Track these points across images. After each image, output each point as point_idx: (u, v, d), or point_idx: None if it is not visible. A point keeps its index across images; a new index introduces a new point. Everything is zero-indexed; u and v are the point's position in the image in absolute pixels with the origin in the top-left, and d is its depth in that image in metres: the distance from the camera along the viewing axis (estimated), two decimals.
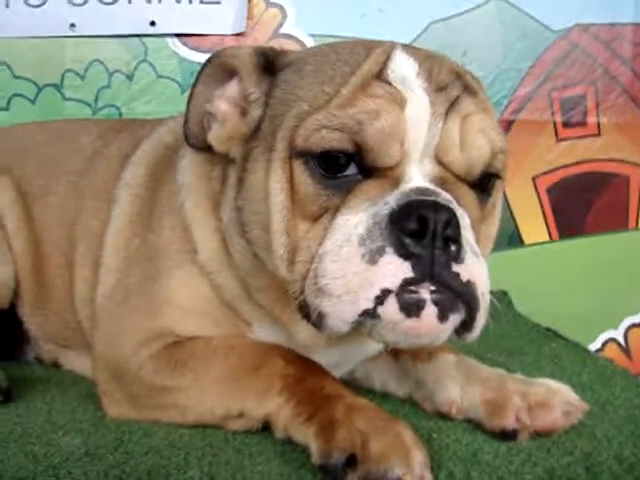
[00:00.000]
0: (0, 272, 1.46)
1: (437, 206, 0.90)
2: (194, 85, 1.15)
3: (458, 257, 0.90)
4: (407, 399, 1.24)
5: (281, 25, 2.17)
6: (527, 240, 2.31)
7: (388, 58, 1.00)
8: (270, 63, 1.09)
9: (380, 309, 0.89)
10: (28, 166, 1.55)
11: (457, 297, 0.91)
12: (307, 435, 0.95)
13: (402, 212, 0.90)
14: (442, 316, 0.90)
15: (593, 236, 2.32)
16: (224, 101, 1.12)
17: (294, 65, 1.07)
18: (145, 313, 1.18)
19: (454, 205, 0.93)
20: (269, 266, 1.05)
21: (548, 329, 1.80)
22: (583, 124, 2.27)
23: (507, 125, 2.24)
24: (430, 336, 0.93)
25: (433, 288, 0.89)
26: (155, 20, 2.12)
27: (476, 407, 1.11)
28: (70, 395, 1.32)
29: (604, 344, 2.34)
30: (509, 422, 1.05)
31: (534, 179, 2.28)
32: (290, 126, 0.99)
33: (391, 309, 0.89)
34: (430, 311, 0.89)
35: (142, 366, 1.14)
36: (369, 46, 1.03)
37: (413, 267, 0.89)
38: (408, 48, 1.05)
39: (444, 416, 1.14)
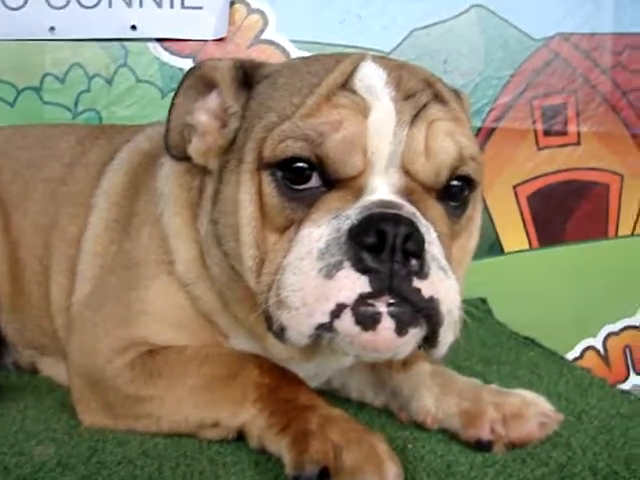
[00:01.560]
0: None
1: (398, 219, 0.89)
2: (175, 96, 1.15)
3: (421, 272, 0.89)
4: (383, 409, 1.23)
5: (262, 31, 2.16)
6: (507, 248, 2.31)
7: (356, 68, 1.00)
8: (248, 76, 1.09)
9: (336, 323, 0.89)
10: (6, 172, 1.54)
11: (417, 312, 0.90)
12: (281, 446, 0.95)
13: (362, 226, 0.89)
14: (400, 330, 0.89)
15: (573, 244, 2.32)
16: (204, 113, 1.12)
17: (270, 77, 1.07)
18: (120, 322, 1.17)
19: (417, 218, 0.92)
20: (242, 278, 1.04)
21: (526, 337, 1.80)
22: (564, 133, 2.28)
23: (488, 133, 2.24)
24: (389, 350, 0.92)
25: (391, 301, 0.88)
26: (136, 24, 2.11)
27: (451, 417, 1.11)
28: (45, 403, 1.31)
29: (583, 352, 2.34)
30: (484, 433, 1.06)
31: (514, 187, 2.28)
32: (259, 137, 1.00)
33: (347, 323, 0.89)
34: (387, 324, 0.88)
35: (117, 375, 1.13)
36: (340, 58, 1.03)
37: (370, 281, 0.88)
38: (379, 58, 1.05)
39: (420, 426, 1.14)
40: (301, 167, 0.96)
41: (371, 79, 0.99)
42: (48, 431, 1.15)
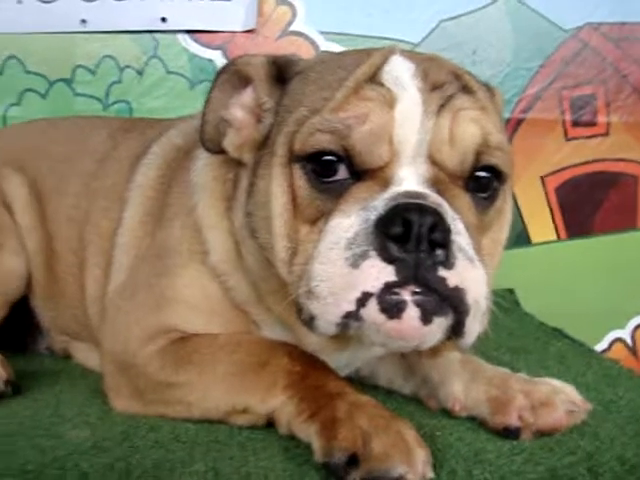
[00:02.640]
0: (14, 264, 1.49)
1: (423, 209, 0.90)
2: (210, 91, 1.17)
3: (446, 262, 0.90)
4: (412, 397, 1.25)
5: (291, 22, 2.18)
6: (535, 239, 2.30)
7: (384, 61, 1.01)
8: (282, 71, 1.11)
9: (362, 311, 0.90)
10: (41, 165, 1.57)
11: (443, 301, 0.91)
12: (310, 433, 0.96)
13: (388, 216, 0.91)
14: (425, 318, 0.90)
15: (601, 235, 2.32)
16: (239, 108, 1.14)
17: (302, 73, 1.09)
18: (152, 309, 1.19)
19: (444, 208, 0.93)
20: (275, 269, 1.06)
21: (554, 328, 1.80)
22: (592, 123, 2.27)
23: (516, 124, 2.24)
24: (414, 338, 0.93)
25: (416, 290, 0.90)
26: (166, 16, 2.14)
27: (480, 405, 1.11)
28: (78, 388, 1.34)
29: (611, 344, 2.34)
30: (512, 420, 1.06)
31: (542, 178, 2.28)
32: (290, 131, 1.01)
33: (373, 311, 0.90)
34: (412, 313, 0.90)
35: (148, 361, 1.15)
36: (370, 52, 1.04)
37: (396, 271, 0.89)
38: (408, 52, 1.06)
39: (448, 413, 1.15)
40: (329, 160, 0.98)
41: (399, 71, 1.00)
42: (82, 415, 1.17)
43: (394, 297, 0.89)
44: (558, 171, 2.28)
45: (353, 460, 0.89)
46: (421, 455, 0.90)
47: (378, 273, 0.89)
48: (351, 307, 0.91)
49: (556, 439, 1.06)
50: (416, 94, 0.97)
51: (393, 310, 0.89)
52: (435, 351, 1.20)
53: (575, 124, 2.27)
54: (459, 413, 1.14)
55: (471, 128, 0.98)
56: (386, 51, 1.04)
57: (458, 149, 0.98)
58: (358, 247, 0.91)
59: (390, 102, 0.96)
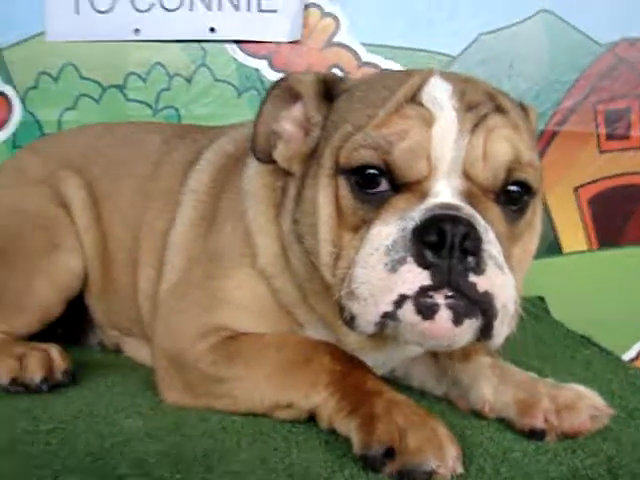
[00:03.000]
0: (71, 263, 1.56)
1: (457, 220, 0.97)
2: (262, 104, 1.24)
3: (477, 268, 0.97)
4: (443, 398, 1.30)
5: (334, 34, 2.24)
6: (566, 249, 2.34)
7: (424, 83, 1.08)
8: (330, 89, 1.18)
9: (399, 312, 0.98)
10: (97, 168, 1.65)
11: (473, 304, 0.97)
12: (349, 427, 1.03)
13: (424, 226, 0.98)
14: (456, 320, 0.97)
15: (632, 246, 2.35)
16: (289, 122, 1.22)
17: (348, 92, 1.16)
18: (204, 309, 1.26)
19: (476, 219, 0.99)
20: (320, 272, 1.13)
21: (582, 336, 1.83)
22: (626, 137, 2.30)
23: (551, 136, 2.27)
24: (446, 338, 1.00)
25: (449, 294, 0.96)
26: (215, 26, 2.22)
27: (508, 407, 1.17)
28: (130, 381, 1.41)
29: (639, 353, 2.36)
30: (538, 422, 1.12)
31: (576, 189, 2.31)
32: (336, 146, 1.09)
33: (408, 312, 0.97)
34: (444, 314, 0.97)
35: (199, 357, 1.22)
36: (411, 73, 1.12)
37: (430, 275, 0.96)
38: (447, 74, 1.13)
39: (478, 414, 1.21)
40: (372, 173, 1.05)
41: (437, 92, 1.07)
42: (134, 406, 1.25)
43: (428, 300, 0.97)
44: (591, 183, 2.32)
45: (389, 453, 0.95)
46: (452, 451, 0.97)
47: (414, 277, 0.97)
48: (389, 308, 0.98)
49: (579, 442, 1.11)
50: (452, 114, 1.04)
51: (427, 312, 0.97)
52: (466, 355, 1.26)
53: (609, 137, 2.29)
54: (488, 414, 1.19)
55: (503, 146, 1.05)
56: (426, 73, 1.11)
57: (491, 165, 1.05)
58: (396, 253, 0.98)
59: (428, 121, 1.04)
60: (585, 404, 1.14)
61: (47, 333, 1.55)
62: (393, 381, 1.35)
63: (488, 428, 1.16)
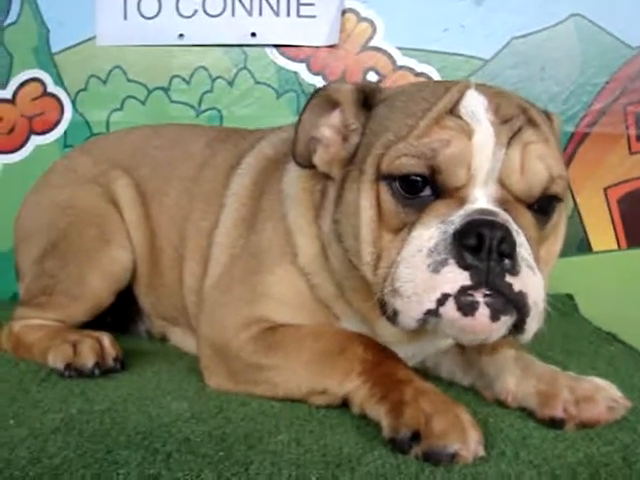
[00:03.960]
0: (122, 257, 1.66)
1: (494, 225, 1.04)
2: (302, 112, 1.30)
3: (512, 269, 1.04)
4: (470, 388, 1.37)
5: (371, 38, 2.29)
6: (596, 247, 2.37)
7: (461, 96, 1.14)
8: (368, 98, 1.25)
9: (441, 309, 1.04)
10: (145, 169, 1.73)
11: (508, 302, 1.04)
12: (379, 412, 1.10)
13: (464, 230, 1.04)
14: (493, 316, 1.04)
15: None
16: (328, 128, 1.27)
17: (387, 101, 1.22)
18: (246, 302, 1.34)
19: (511, 224, 1.06)
20: (360, 270, 1.20)
21: (608, 333, 1.87)
22: None
23: (581, 138, 2.30)
24: (484, 333, 1.06)
25: (487, 293, 1.03)
26: (255, 31, 2.28)
27: (529, 397, 1.23)
28: (176, 367, 1.50)
29: None
30: (557, 412, 1.17)
31: (605, 190, 2.34)
32: (378, 153, 1.15)
33: (450, 309, 1.04)
34: (483, 312, 1.03)
35: (241, 347, 1.30)
36: (448, 86, 1.18)
37: (470, 276, 1.03)
38: (481, 87, 1.18)
39: (501, 404, 1.27)
40: (416, 180, 1.11)
41: (474, 106, 1.13)
42: (181, 390, 1.33)
43: (469, 298, 1.03)
44: (621, 183, 2.34)
45: (416, 437, 1.02)
46: (475, 436, 1.03)
47: (456, 278, 1.04)
48: (432, 305, 1.05)
49: (596, 431, 1.16)
50: (489, 127, 1.10)
51: (467, 309, 1.04)
52: (492, 348, 1.33)
53: (639, 138, 2.32)
54: (511, 404, 1.26)
55: (539, 166, 1.11)
56: (462, 86, 1.17)
57: (526, 181, 1.11)
58: (438, 255, 1.05)
59: (468, 133, 1.10)
60: (603, 396, 1.19)
61: (97, 322, 1.64)
62: (423, 371, 1.41)
63: (510, 416, 1.22)
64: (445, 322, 1.05)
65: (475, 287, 1.03)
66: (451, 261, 1.04)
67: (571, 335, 1.84)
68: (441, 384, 1.36)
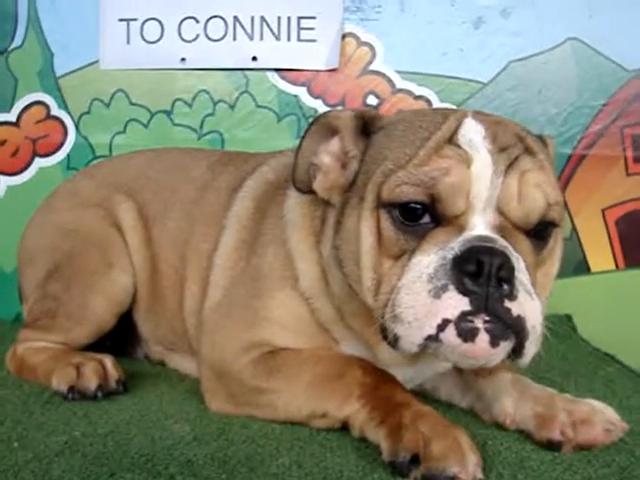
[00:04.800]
0: (124, 280, 1.67)
1: (493, 251, 1.06)
2: (302, 139, 1.31)
3: (511, 295, 1.05)
4: (469, 410, 1.39)
5: (370, 62, 2.31)
6: (594, 268, 2.37)
7: (459, 125, 1.16)
8: (367, 125, 1.26)
9: (442, 335, 1.05)
10: (148, 192, 1.75)
11: (508, 328, 1.05)
12: (379, 436, 1.12)
13: (463, 256, 1.06)
14: (493, 342, 1.05)
15: None
16: (327, 155, 1.29)
17: (386, 129, 1.24)
18: (247, 325, 1.35)
19: (509, 251, 1.08)
20: (360, 295, 1.21)
21: (606, 354, 1.88)
22: None
23: (579, 160, 2.32)
24: (484, 358, 1.07)
25: (487, 319, 1.04)
26: (257, 55, 2.30)
27: (527, 420, 1.25)
28: (177, 390, 1.51)
29: None
30: (555, 434, 1.19)
31: (603, 211, 2.35)
32: (378, 181, 1.16)
33: (451, 335, 1.05)
34: (483, 338, 1.05)
35: (242, 370, 1.31)
36: (446, 114, 1.19)
37: (470, 302, 1.04)
38: (478, 115, 1.20)
39: (499, 426, 1.29)
40: (415, 208, 1.13)
41: (472, 134, 1.14)
42: (182, 413, 1.34)
43: (469, 324, 1.05)
44: (618, 204, 2.35)
45: (415, 460, 1.04)
46: (473, 459, 1.05)
47: (456, 303, 1.05)
48: (432, 331, 1.06)
49: (594, 453, 1.17)
50: (487, 155, 1.12)
51: (468, 335, 1.05)
52: (489, 371, 1.34)
53: (636, 160, 2.33)
54: (509, 426, 1.27)
55: (536, 194, 1.13)
56: (460, 115, 1.19)
57: (524, 209, 1.12)
58: (438, 281, 1.06)
59: (467, 161, 1.11)
60: (600, 418, 1.21)
61: (97, 346, 1.65)
62: (422, 394, 1.42)
63: (508, 439, 1.23)
64: (445, 347, 1.06)
65: (475, 313, 1.04)
66: (451, 287, 1.05)
67: (569, 356, 1.85)
68: (440, 407, 1.37)
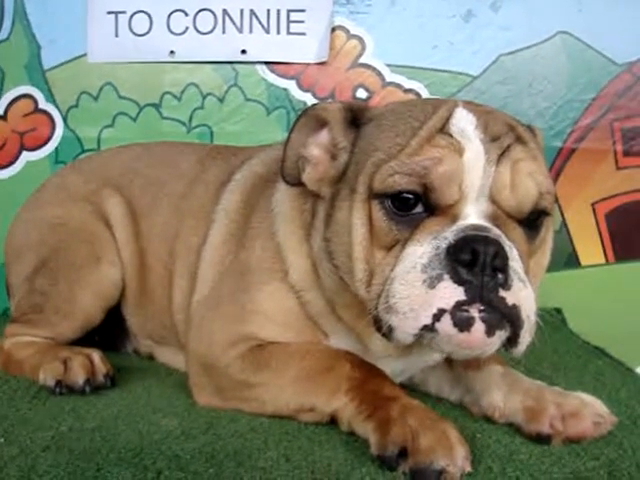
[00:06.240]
0: (113, 275, 1.67)
1: (487, 240, 1.05)
2: (291, 132, 1.30)
3: (505, 284, 1.05)
4: (458, 403, 1.38)
5: (360, 55, 2.31)
6: (584, 262, 2.38)
7: (451, 114, 1.15)
8: (356, 117, 1.25)
9: (437, 325, 1.05)
10: (136, 187, 1.74)
11: (503, 317, 1.05)
12: (367, 430, 1.11)
13: (458, 245, 1.05)
14: (489, 331, 1.04)
15: None
16: (317, 147, 1.28)
17: (375, 120, 1.23)
18: (234, 319, 1.34)
19: (503, 239, 1.07)
20: (351, 287, 1.21)
21: (596, 347, 1.89)
22: None
23: (569, 153, 2.32)
24: (479, 348, 1.07)
25: (482, 308, 1.04)
26: (246, 49, 2.30)
27: (516, 413, 1.25)
28: (165, 384, 1.51)
29: None
30: (544, 428, 1.19)
31: (593, 204, 2.36)
32: (369, 172, 1.15)
33: (446, 325, 1.04)
34: (478, 327, 1.04)
35: (230, 364, 1.30)
36: (436, 104, 1.19)
37: (465, 291, 1.04)
38: (469, 105, 1.20)
39: (489, 419, 1.28)
40: (408, 197, 1.12)
41: (463, 124, 1.14)
42: (170, 407, 1.33)
43: (464, 314, 1.04)
44: (608, 198, 2.36)
45: (403, 453, 1.04)
46: (461, 452, 1.04)
47: (451, 293, 1.04)
48: (428, 321, 1.05)
49: (583, 446, 1.17)
50: (479, 145, 1.12)
51: (463, 324, 1.04)
52: (479, 364, 1.34)
53: (626, 154, 2.34)
54: (498, 419, 1.27)
55: (529, 182, 1.12)
56: (451, 104, 1.18)
57: (517, 198, 1.12)
58: (433, 270, 1.06)
59: (459, 151, 1.11)
60: (589, 411, 1.21)
61: (86, 340, 1.64)
62: (411, 387, 1.42)
63: (497, 432, 1.23)
64: (441, 337, 1.06)
65: (470, 302, 1.04)
66: (446, 276, 1.05)
67: (559, 349, 1.86)
68: (429, 400, 1.37)
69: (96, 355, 1.47)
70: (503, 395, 1.28)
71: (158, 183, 1.72)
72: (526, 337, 1.08)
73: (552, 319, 2.13)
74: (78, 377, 1.41)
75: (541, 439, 1.19)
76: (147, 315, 1.70)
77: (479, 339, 1.05)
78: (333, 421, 1.21)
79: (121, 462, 1.07)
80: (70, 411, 1.31)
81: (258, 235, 1.40)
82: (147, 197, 1.71)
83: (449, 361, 1.40)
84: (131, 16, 2.30)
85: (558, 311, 2.23)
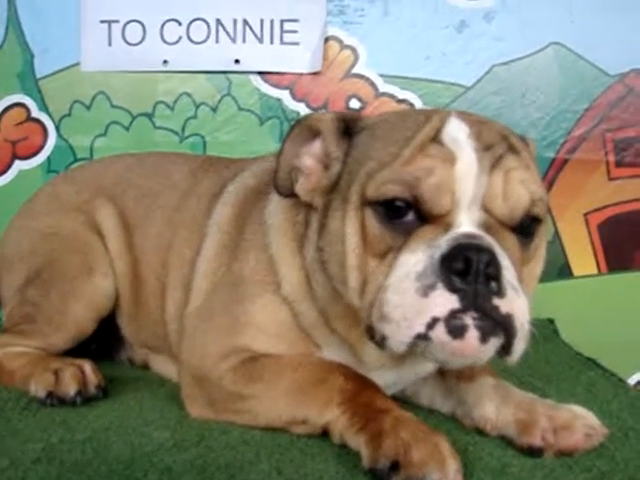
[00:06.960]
0: (105, 286, 1.66)
1: (480, 249, 1.05)
2: (283, 142, 1.30)
3: (499, 292, 1.05)
4: (450, 416, 1.38)
5: (353, 65, 2.32)
6: (576, 272, 2.38)
7: (443, 124, 1.16)
8: (348, 127, 1.26)
9: (431, 333, 1.04)
10: (128, 198, 1.73)
11: (497, 325, 1.05)
12: (359, 442, 1.11)
13: (451, 254, 1.05)
14: (483, 338, 1.04)
15: None
16: (310, 157, 1.28)
17: (368, 130, 1.23)
18: (227, 331, 1.34)
19: (496, 248, 1.07)
20: (345, 297, 1.21)
21: (588, 358, 1.88)
22: (635, 164, 2.35)
23: (561, 164, 2.33)
24: (473, 355, 1.07)
25: (475, 316, 1.04)
26: (239, 58, 2.30)
27: (508, 425, 1.24)
28: (157, 395, 1.49)
29: None
30: (536, 440, 1.19)
31: (585, 215, 2.36)
32: (362, 181, 1.16)
33: (440, 333, 1.04)
34: (472, 334, 1.04)
35: (222, 376, 1.30)
36: (429, 114, 1.19)
37: (459, 299, 1.04)
38: (462, 114, 1.20)
39: (480, 432, 1.28)
40: (400, 205, 1.12)
41: (456, 133, 1.14)
42: (163, 419, 1.32)
43: (458, 322, 1.04)
44: (601, 209, 2.36)
45: (395, 466, 1.03)
46: (454, 465, 1.03)
47: (445, 301, 1.04)
48: (422, 329, 1.05)
49: (575, 459, 1.17)
50: (472, 154, 1.12)
51: (457, 332, 1.04)
52: (471, 376, 1.34)
53: (618, 165, 2.34)
54: (490, 432, 1.27)
55: (521, 190, 1.13)
56: (443, 114, 1.19)
57: (509, 205, 1.12)
58: (426, 279, 1.06)
59: (451, 160, 1.11)
60: (581, 424, 1.20)
61: (81, 349, 1.64)
62: (403, 400, 1.42)
63: (489, 444, 1.23)
64: (435, 345, 1.06)
65: (464, 310, 1.04)
66: (439, 285, 1.05)
67: (551, 360, 1.85)
68: (421, 412, 1.36)
69: (88, 366, 1.46)
70: (495, 407, 1.28)
71: (151, 195, 1.72)
72: (520, 345, 1.08)
73: (544, 330, 2.12)
74: (69, 388, 1.40)
75: (533, 452, 1.19)
76: (141, 325, 1.70)
77: (473, 346, 1.05)
78: (325, 433, 1.20)
79: (112, 474, 1.07)
80: (61, 422, 1.30)
81: (251, 247, 1.40)
82: (140, 209, 1.71)
83: (441, 373, 1.40)
84: (124, 25, 2.31)
85: (550, 322, 2.23)
